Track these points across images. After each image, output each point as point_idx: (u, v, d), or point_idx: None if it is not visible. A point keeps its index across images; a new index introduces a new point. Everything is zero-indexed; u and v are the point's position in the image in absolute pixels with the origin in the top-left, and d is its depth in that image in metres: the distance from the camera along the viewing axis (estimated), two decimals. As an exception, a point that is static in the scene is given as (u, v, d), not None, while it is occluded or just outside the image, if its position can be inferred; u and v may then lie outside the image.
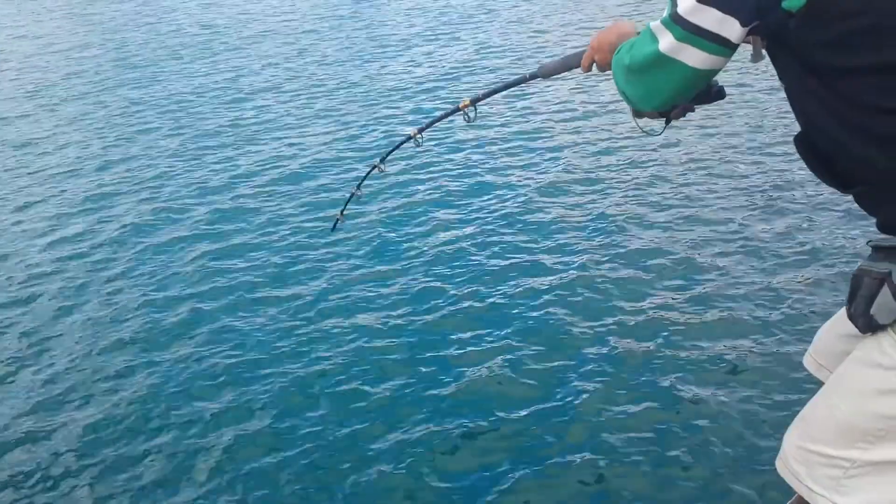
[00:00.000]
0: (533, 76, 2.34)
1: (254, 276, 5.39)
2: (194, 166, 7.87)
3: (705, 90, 1.87)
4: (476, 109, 2.52)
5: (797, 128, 1.67)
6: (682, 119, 2.00)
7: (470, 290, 4.87)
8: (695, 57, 1.53)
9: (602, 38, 1.99)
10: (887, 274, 1.51)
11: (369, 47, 12.11)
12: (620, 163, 6.62)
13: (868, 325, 1.57)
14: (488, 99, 2.56)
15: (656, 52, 1.57)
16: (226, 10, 17.67)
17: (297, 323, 4.75)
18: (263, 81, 10.73)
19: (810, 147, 1.62)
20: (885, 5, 1.36)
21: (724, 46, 1.50)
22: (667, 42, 1.55)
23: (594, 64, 2.06)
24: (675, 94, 1.66)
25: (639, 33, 1.82)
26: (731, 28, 1.47)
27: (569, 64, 2.19)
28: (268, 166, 7.39)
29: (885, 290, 1.52)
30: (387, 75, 10.26)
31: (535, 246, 5.36)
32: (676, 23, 1.52)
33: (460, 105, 2.52)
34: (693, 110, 1.97)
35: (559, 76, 2.29)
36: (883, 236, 1.57)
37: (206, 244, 5.99)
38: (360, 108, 8.94)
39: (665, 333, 4.24)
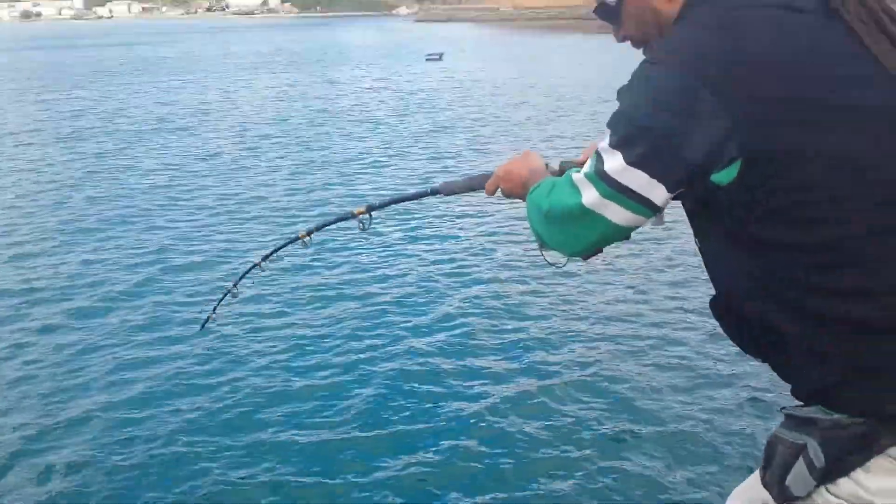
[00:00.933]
0: (434, 192, 2.31)
1: (107, 368, 5.19)
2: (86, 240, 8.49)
3: None
4: (371, 217, 2.43)
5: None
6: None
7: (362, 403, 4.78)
8: (619, 214, 1.51)
9: (511, 169, 1.98)
10: (803, 446, 1.46)
11: (297, 138, 12.82)
12: (527, 280, 6.72)
13: (783, 495, 1.52)
14: (386, 208, 2.50)
15: (579, 204, 1.54)
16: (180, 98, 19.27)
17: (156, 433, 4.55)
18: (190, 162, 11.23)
19: (728, 313, 1.59)
20: (828, 181, 1.34)
21: (648, 208, 1.48)
22: (591, 197, 1.52)
23: (499, 190, 2.03)
24: (594, 245, 1.64)
25: (547, 166, 1.92)
26: (657, 193, 1.45)
27: (472, 185, 2.19)
28: (150, 249, 7.42)
29: (801, 462, 1.46)
30: (298, 170, 10.77)
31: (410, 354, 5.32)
32: (602, 179, 1.49)
33: (355, 211, 2.43)
34: (601, 250, 1.94)
35: (461, 195, 2.29)
36: (797, 404, 1.53)
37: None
38: (265, 196, 9.21)
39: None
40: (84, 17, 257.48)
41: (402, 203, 2.58)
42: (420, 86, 30.15)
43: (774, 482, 1.51)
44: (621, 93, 1.49)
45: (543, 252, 1.90)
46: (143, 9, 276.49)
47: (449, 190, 2.27)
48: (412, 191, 2.50)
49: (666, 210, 1.56)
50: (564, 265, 2.02)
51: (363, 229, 2.47)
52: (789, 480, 1.48)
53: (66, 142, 15.39)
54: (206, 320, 3.29)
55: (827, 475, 1.43)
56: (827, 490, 1.45)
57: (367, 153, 12.88)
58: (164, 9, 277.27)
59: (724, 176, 1.36)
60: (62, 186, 11.59)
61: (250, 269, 2.95)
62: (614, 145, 1.46)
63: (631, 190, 1.45)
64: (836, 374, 1.42)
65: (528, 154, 2.00)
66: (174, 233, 8.56)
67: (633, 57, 1.60)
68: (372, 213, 2.43)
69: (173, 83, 26.37)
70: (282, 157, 13.22)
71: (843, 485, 1.43)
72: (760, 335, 1.51)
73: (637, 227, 1.56)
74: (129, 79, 26.67)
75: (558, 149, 14.07)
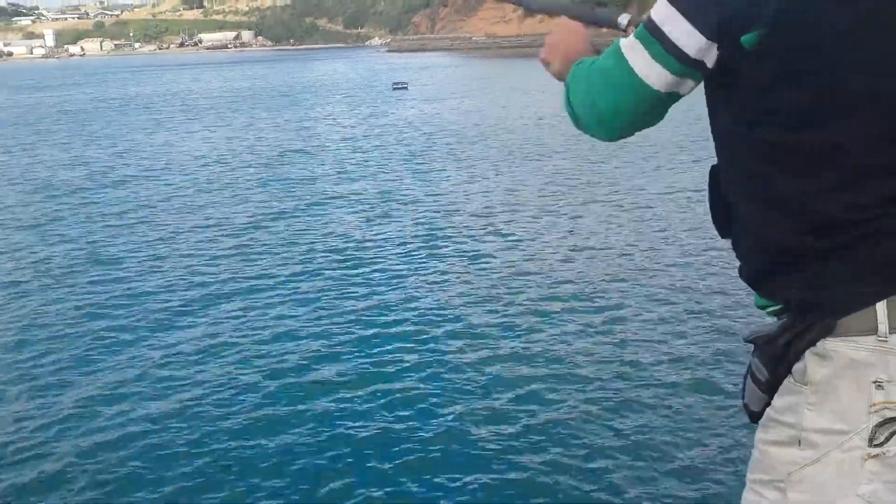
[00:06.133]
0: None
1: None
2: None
3: None
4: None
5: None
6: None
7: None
8: (643, 62, 1.44)
9: (560, 36, 1.77)
10: (749, 366, 1.52)
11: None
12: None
13: (749, 415, 1.56)
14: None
15: (616, 49, 1.49)
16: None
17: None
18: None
19: (712, 181, 1.58)
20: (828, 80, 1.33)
21: (676, 58, 1.41)
22: (626, 41, 1.48)
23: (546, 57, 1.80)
24: (623, 111, 1.52)
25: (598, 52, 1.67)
26: (690, 40, 1.39)
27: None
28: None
29: (749, 379, 1.53)
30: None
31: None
32: (643, 25, 1.46)
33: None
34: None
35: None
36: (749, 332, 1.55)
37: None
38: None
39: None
40: (55, 56, 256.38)
41: None
42: (387, 116, 31.24)
43: (742, 406, 1.57)
44: None
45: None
46: (115, 45, 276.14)
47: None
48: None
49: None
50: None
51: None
52: (747, 398, 1.54)
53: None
54: None
55: (772, 387, 1.46)
56: (774, 401, 1.48)
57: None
58: (136, 45, 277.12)
59: (751, 38, 1.33)
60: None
61: None
62: None
63: (662, 32, 1.40)
64: (770, 260, 1.46)
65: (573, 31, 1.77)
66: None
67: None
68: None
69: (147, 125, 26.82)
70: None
71: (784, 391, 1.45)
72: (726, 210, 1.53)
73: (663, 89, 1.45)
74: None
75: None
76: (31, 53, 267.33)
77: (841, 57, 1.31)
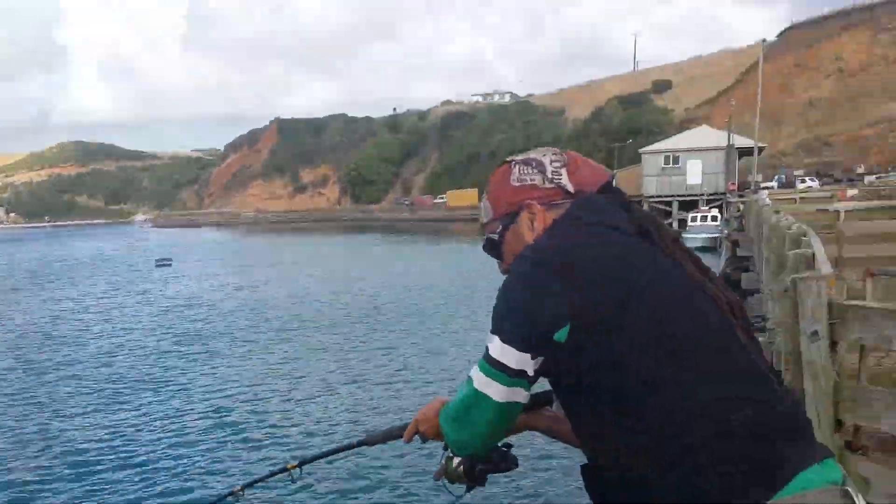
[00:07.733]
0: (360, 443, 2.41)
1: None
2: None
3: (500, 458, 2.09)
4: (302, 471, 2.50)
5: None
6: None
7: None
8: (499, 392, 1.71)
9: (426, 410, 2.14)
10: None
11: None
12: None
13: None
14: (315, 462, 2.57)
15: (472, 389, 1.75)
16: None
17: None
18: None
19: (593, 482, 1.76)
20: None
21: (524, 379, 1.69)
22: (479, 378, 1.73)
23: (418, 434, 2.16)
24: (489, 430, 1.82)
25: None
26: (525, 360, 1.67)
27: (392, 434, 2.30)
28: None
29: None
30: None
31: None
32: (487, 362, 1.71)
33: (288, 466, 2.50)
34: (484, 483, 2.11)
35: (383, 444, 2.40)
36: None
37: None
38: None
39: None
40: None
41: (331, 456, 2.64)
42: (146, 294, 30.73)
43: None
44: (499, 290, 1.75)
45: (442, 479, 2.10)
46: None
47: (372, 440, 2.36)
48: (338, 444, 2.59)
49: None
50: (462, 495, 2.13)
51: (294, 482, 2.50)
52: None
53: None
54: None
55: None
56: None
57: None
58: None
59: (562, 334, 1.60)
60: None
61: None
62: (493, 330, 1.71)
63: (506, 366, 1.67)
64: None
65: (437, 397, 2.15)
66: None
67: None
68: (303, 466, 2.48)
69: None
70: None
71: None
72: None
73: (518, 402, 1.73)
74: None
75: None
76: None
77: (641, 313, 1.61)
